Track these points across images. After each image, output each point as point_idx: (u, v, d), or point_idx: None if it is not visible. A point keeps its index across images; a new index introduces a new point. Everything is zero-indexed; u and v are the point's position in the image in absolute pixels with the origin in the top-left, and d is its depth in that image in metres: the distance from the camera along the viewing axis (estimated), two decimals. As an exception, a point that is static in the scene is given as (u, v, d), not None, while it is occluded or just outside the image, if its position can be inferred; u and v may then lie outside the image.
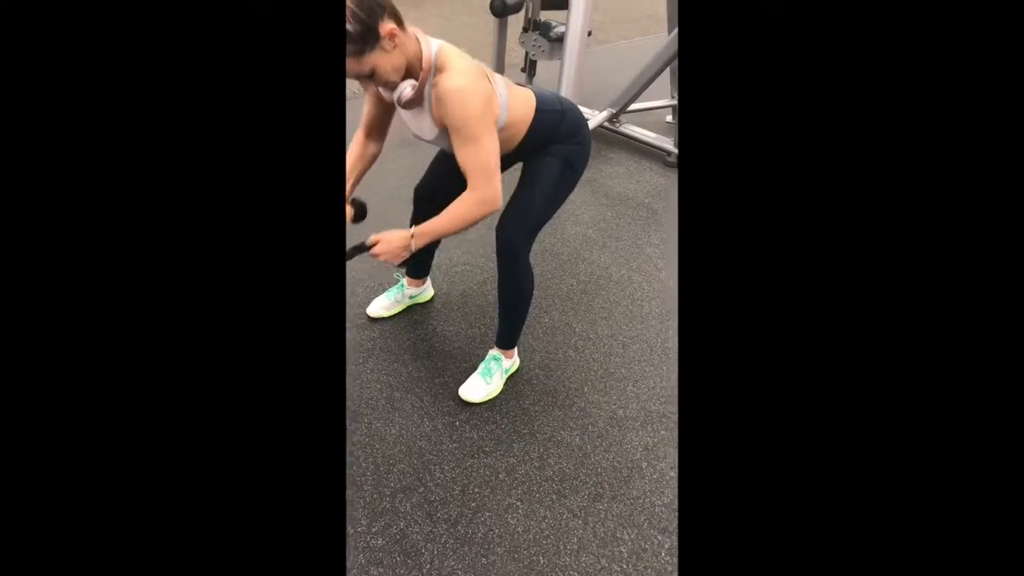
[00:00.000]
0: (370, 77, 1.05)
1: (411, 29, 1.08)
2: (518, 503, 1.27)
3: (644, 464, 1.37)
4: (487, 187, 1.12)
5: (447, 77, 1.07)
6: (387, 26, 0.99)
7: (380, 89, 1.20)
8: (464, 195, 1.13)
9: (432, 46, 1.10)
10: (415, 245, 1.17)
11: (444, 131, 1.15)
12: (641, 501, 1.29)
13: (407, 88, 1.09)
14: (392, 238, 1.16)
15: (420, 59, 1.09)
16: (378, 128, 1.33)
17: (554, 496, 1.29)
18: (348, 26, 0.94)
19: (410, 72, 1.10)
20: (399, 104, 1.13)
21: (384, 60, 1.03)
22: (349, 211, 1.30)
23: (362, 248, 1.18)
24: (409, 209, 1.55)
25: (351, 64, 1.01)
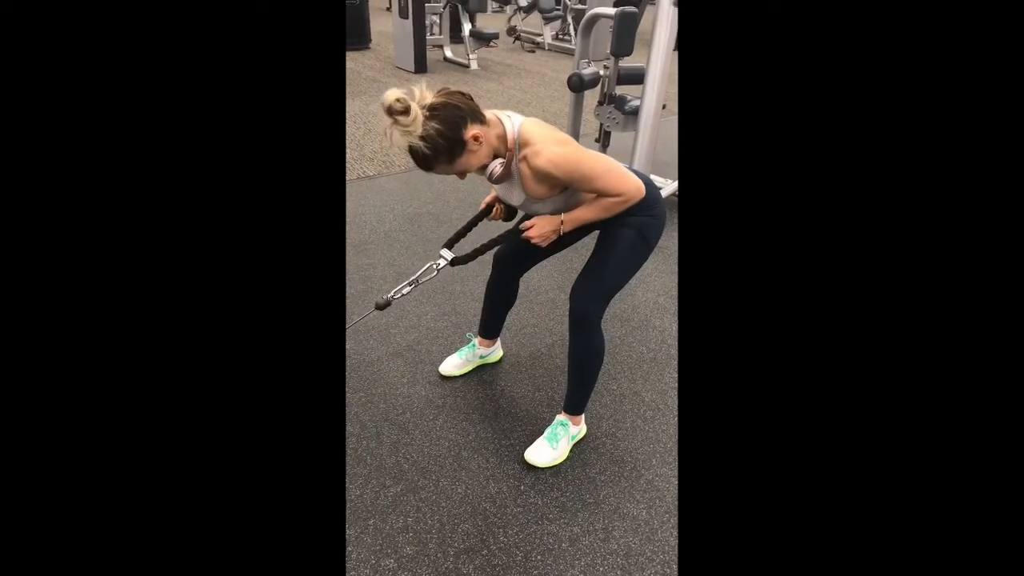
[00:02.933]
0: (462, 174, 1.17)
1: (492, 116, 1.19)
2: (581, 575, 1.24)
3: (714, 546, 1.31)
4: (627, 186, 1.23)
5: (535, 151, 1.16)
6: (471, 131, 1.10)
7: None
8: (611, 197, 1.24)
9: (515, 124, 1.20)
10: (563, 230, 1.29)
11: (531, 199, 1.25)
12: (711, 586, 1.23)
13: (497, 167, 1.20)
14: (543, 222, 1.29)
15: (505, 139, 1.19)
16: None
17: (619, 571, 1.25)
18: (438, 143, 1.07)
19: (496, 152, 1.20)
20: (490, 181, 1.24)
21: (472, 159, 1.15)
22: (502, 210, 1.48)
23: (517, 232, 1.34)
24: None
25: (443, 167, 1.13)
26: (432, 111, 1.07)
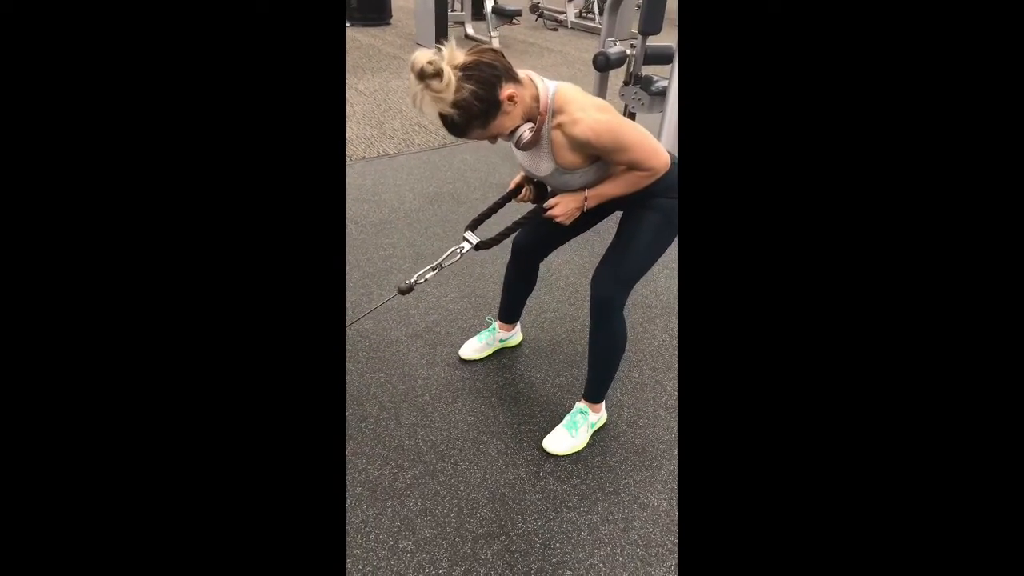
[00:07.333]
0: (494, 138, 1.11)
1: (525, 75, 1.13)
2: (600, 565, 1.23)
3: (736, 539, 1.29)
4: (658, 161, 1.19)
5: (573, 119, 1.10)
6: (506, 91, 1.05)
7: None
8: (637, 171, 1.20)
9: (550, 88, 1.14)
10: (588, 206, 1.26)
11: (558, 169, 1.19)
12: (732, 580, 1.21)
13: (526, 132, 1.14)
14: (567, 199, 1.25)
15: (537, 102, 1.13)
16: None
17: (638, 562, 1.24)
18: (473, 107, 1.01)
19: (529, 114, 1.14)
20: (517, 147, 1.18)
21: (506, 120, 1.09)
22: (531, 191, 1.41)
23: (540, 211, 1.30)
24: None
25: (477, 132, 1.07)
26: (466, 71, 1.01)
